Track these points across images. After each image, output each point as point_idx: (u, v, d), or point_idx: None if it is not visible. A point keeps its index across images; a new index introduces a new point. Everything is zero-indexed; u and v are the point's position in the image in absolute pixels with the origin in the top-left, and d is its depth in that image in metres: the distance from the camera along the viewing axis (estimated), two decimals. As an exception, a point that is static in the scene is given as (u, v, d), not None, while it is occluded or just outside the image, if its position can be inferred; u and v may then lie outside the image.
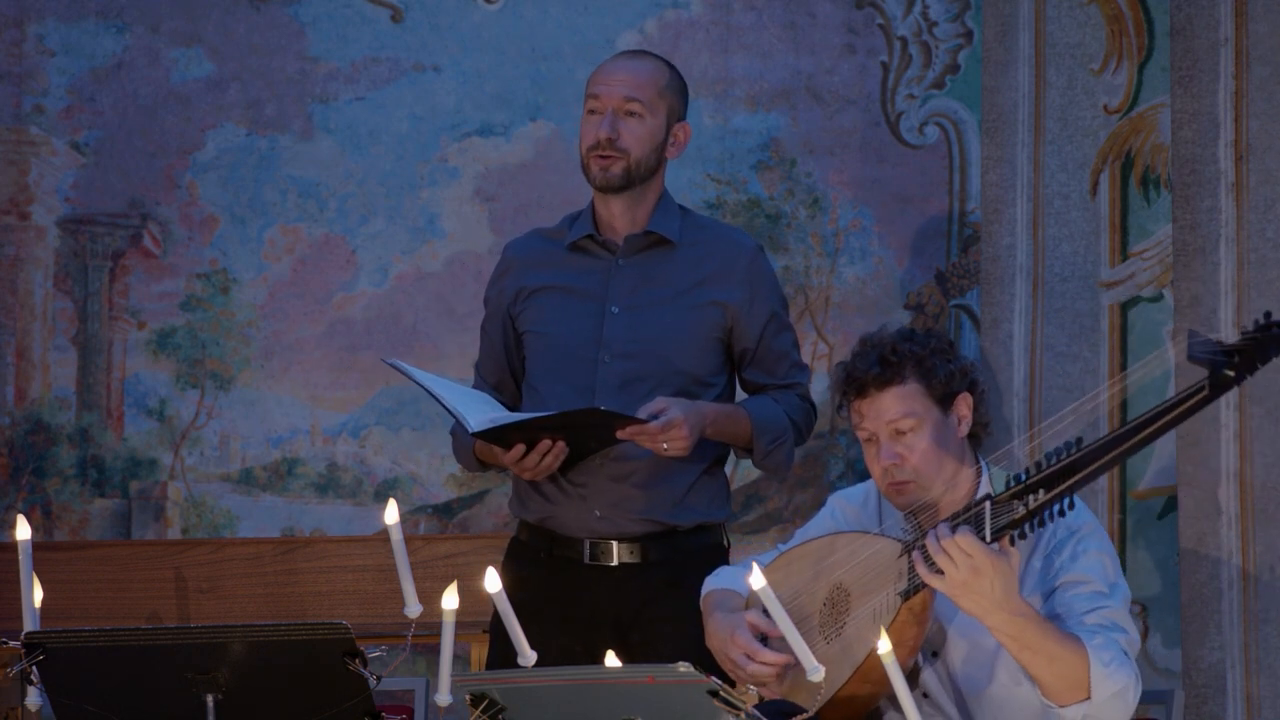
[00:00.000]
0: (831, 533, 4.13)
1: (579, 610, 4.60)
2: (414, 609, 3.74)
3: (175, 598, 5.34)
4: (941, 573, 3.75)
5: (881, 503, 4.14)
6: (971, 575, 3.73)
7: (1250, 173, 5.31)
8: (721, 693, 3.51)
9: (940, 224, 5.84)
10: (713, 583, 4.26)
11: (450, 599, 3.66)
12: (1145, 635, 5.53)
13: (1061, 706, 3.81)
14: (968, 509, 3.80)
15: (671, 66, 4.73)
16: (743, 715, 3.53)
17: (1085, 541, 3.95)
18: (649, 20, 5.91)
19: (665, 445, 4.49)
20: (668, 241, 4.68)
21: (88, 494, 5.97)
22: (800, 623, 3.75)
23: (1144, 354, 5.57)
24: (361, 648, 3.69)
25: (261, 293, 5.98)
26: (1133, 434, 3.69)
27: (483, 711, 3.64)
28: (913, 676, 3.98)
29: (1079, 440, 3.72)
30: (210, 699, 3.71)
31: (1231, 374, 3.58)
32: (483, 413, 4.53)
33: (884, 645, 3.58)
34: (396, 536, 3.74)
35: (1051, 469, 3.72)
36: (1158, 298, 5.57)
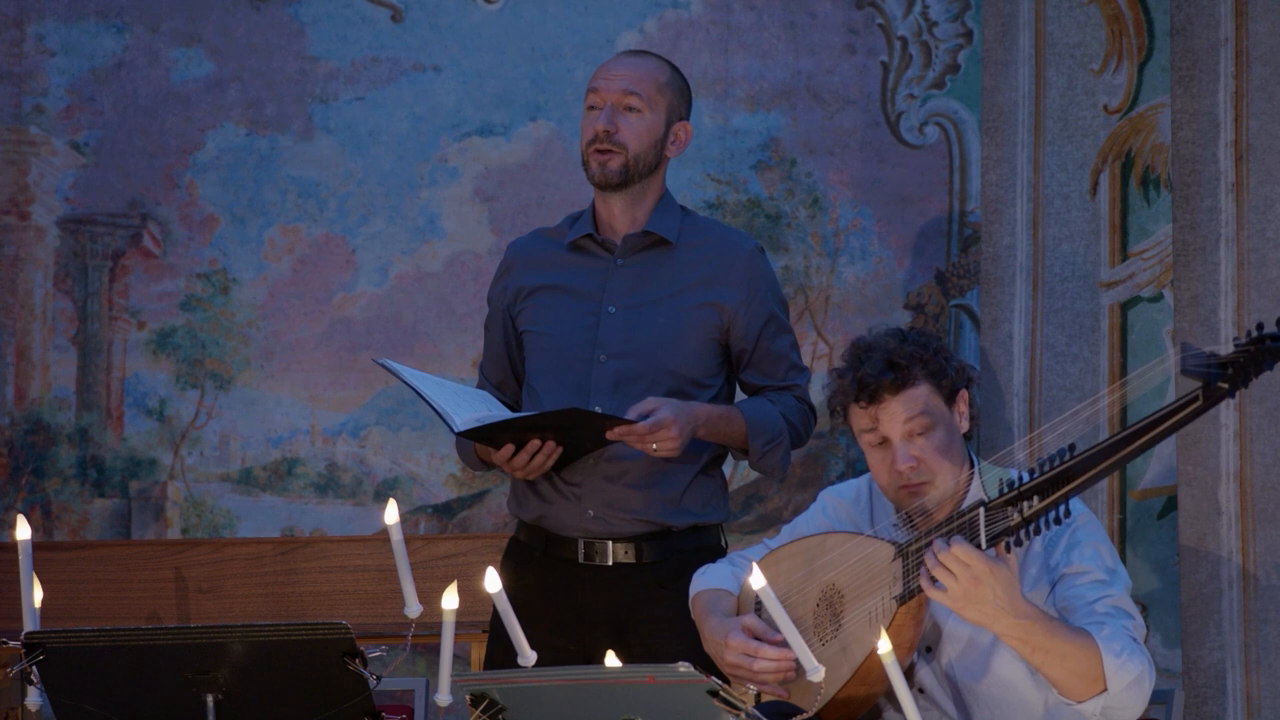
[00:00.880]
0: (822, 531, 4.12)
1: (573, 610, 4.60)
2: (414, 609, 3.74)
3: (175, 598, 5.34)
4: (943, 587, 3.75)
5: (873, 501, 4.14)
6: (973, 585, 3.72)
7: (1250, 173, 5.32)
8: (721, 693, 3.51)
9: (940, 224, 5.84)
10: (700, 582, 4.25)
11: (450, 599, 3.66)
12: (1145, 635, 5.53)
13: (1080, 702, 3.80)
14: (961, 515, 3.80)
15: (673, 66, 4.73)
16: (743, 715, 3.53)
17: (1079, 532, 3.95)
18: (649, 20, 5.91)
19: (654, 446, 4.49)
20: (666, 242, 4.68)
21: (88, 494, 5.97)
22: (794, 623, 3.74)
23: (1144, 354, 5.57)
24: (361, 648, 3.69)
25: (261, 293, 5.98)
26: (1127, 442, 3.69)
27: (483, 711, 3.64)
28: (908, 673, 3.98)
29: (1072, 447, 3.72)
30: (210, 699, 3.71)
31: (1225, 386, 3.59)
32: (474, 411, 4.53)
33: (884, 645, 3.59)
34: (396, 536, 3.74)
35: (1045, 476, 3.72)
36: (1158, 298, 5.57)
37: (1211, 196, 5.35)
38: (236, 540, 5.71)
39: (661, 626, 4.53)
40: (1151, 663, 3.84)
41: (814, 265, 5.87)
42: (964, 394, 4.03)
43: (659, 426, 4.47)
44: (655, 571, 4.60)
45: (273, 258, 5.98)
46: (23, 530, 3.88)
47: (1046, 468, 3.72)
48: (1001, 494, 3.76)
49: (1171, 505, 5.49)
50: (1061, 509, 3.72)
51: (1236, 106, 5.33)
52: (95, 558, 5.41)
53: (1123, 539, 5.56)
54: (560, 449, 4.53)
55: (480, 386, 4.79)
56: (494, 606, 3.75)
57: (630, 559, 4.62)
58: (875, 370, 3.96)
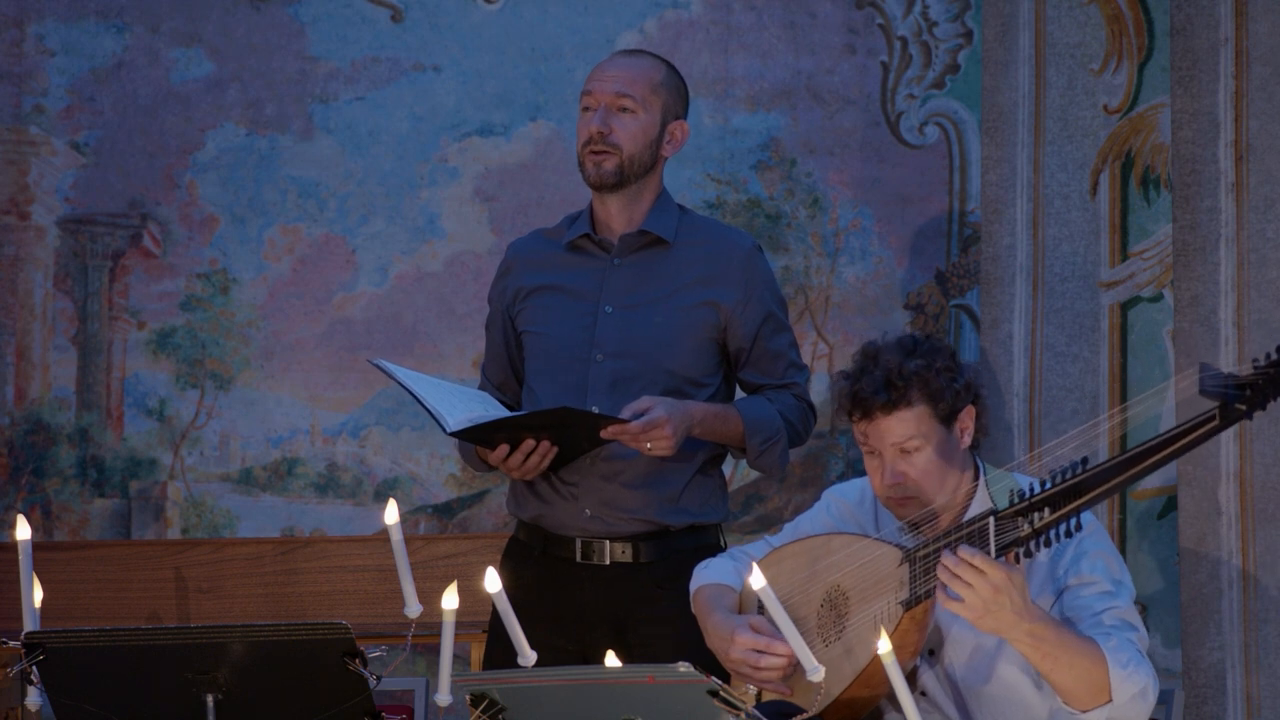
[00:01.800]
0: (827, 531, 4.12)
1: (572, 610, 4.60)
2: (414, 609, 3.74)
3: (175, 598, 5.34)
4: (960, 599, 3.73)
5: (878, 502, 4.13)
6: (992, 594, 3.71)
7: (1250, 173, 5.32)
8: (721, 693, 3.51)
9: (940, 224, 5.84)
10: (702, 576, 4.24)
11: (450, 599, 3.66)
12: (1148, 645, 5.53)
13: (1084, 711, 3.79)
14: (971, 523, 3.79)
15: (669, 65, 4.73)
16: (743, 715, 3.53)
17: (1087, 542, 3.94)
18: (649, 20, 5.91)
19: (649, 445, 4.48)
20: (663, 241, 4.68)
21: (88, 494, 5.97)
22: (796, 623, 3.74)
23: (1144, 354, 5.57)
24: (361, 648, 3.69)
25: (261, 293, 5.98)
26: (1141, 459, 3.68)
27: (483, 711, 3.64)
28: (911, 676, 3.98)
29: (1084, 461, 3.71)
30: (210, 699, 3.71)
31: (1243, 408, 3.59)
32: (468, 412, 4.53)
33: (884, 645, 3.58)
34: (396, 536, 3.74)
35: (1058, 488, 3.71)
36: (1158, 298, 5.57)
37: (1211, 196, 5.35)
38: (236, 540, 5.71)
39: (661, 626, 4.53)
40: (1156, 676, 3.84)
41: (814, 265, 5.87)
42: (970, 410, 4.01)
43: (653, 425, 4.47)
44: (653, 571, 4.60)
45: (273, 258, 5.98)
46: (23, 530, 3.88)
47: (1058, 479, 3.71)
48: (1012, 504, 3.75)
49: (1172, 505, 5.49)
50: (1073, 522, 3.71)
51: (1236, 106, 5.33)
52: (95, 558, 5.41)
53: (1123, 539, 5.56)
54: (555, 449, 4.53)
55: (482, 387, 4.79)
56: (494, 606, 3.75)
57: (627, 559, 4.61)
58: (870, 388, 3.94)
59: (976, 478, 4.01)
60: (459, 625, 3.71)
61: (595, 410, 4.53)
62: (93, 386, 5.99)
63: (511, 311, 4.75)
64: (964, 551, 3.71)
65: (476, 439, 4.55)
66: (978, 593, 3.71)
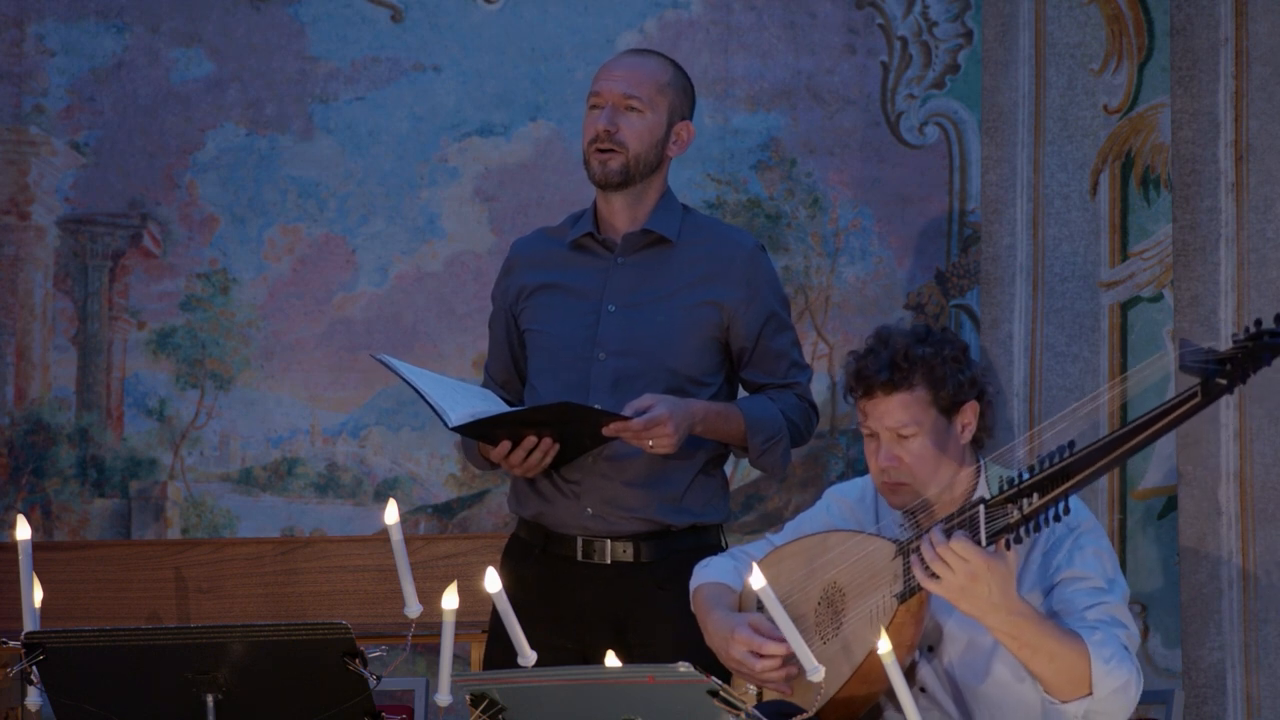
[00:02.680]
0: (825, 530, 4.13)
1: (570, 609, 4.60)
2: (414, 609, 3.74)
3: (175, 598, 5.34)
4: (938, 578, 3.76)
5: (878, 499, 4.14)
6: (969, 580, 3.74)
7: (1250, 173, 5.32)
8: (721, 693, 3.51)
9: (940, 224, 5.84)
10: (702, 575, 4.25)
11: (450, 599, 3.66)
12: (1145, 635, 5.54)
13: (1064, 702, 3.82)
14: (962, 511, 3.80)
15: (676, 66, 4.73)
16: (743, 715, 3.53)
17: (1083, 538, 3.96)
18: (649, 20, 5.91)
19: (650, 443, 4.49)
20: (667, 240, 4.68)
21: (88, 494, 5.97)
22: (795, 622, 3.75)
23: (1144, 354, 5.57)
24: (361, 648, 3.69)
25: (261, 293, 5.98)
26: (1126, 439, 3.70)
27: (483, 711, 3.64)
28: (909, 673, 3.98)
29: (1071, 444, 3.72)
30: (210, 699, 3.71)
31: (1224, 382, 3.59)
32: (470, 407, 4.53)
33: (884, 645, 3.59)
34: (396, 536, 3.74)
35: (1045, 473, 3.73)
36: (1158, 298, 5.57)
37: (1211, 196, 5.35)
38: (236, 540, 5.71)
39: (661, 626, 4.53)
40: (1140, 673, 3.86)
41: (814, 265, 5.87)
42: (973, 406, 4.02)
43: (654, 423, 4.47)
44: (653, 571, 4.60)
45: (273, 258, 5.98)
46: (23, 530, 3.88)
47: (1045, 465, 3.73)
48: (1001, 491, 3.77)
49: (1172, 505, 5.49)
50: (1061, 506, 3.73)
51: (1236, 106, 5.33)
52: (95, 558, 5.41)
53: (1123, 539, 5.56)
54: (557, 446, 4.53)
55: (485, 385, 4.80)
56: (494, 606, 3.75)
57: (628, 558, 4.61)
58: (875, 366, 3.97)
59: (978, 475, 4.02)
60: (459, 625, 3.71)
61: (596, 406, 4.53)
62: (93, 386, 5.99)
63: (514, 310, 4.75)
64: (954, 540, 3.73)
65: (478, 434, 4.55)
66: (957, 575, 3.73)
